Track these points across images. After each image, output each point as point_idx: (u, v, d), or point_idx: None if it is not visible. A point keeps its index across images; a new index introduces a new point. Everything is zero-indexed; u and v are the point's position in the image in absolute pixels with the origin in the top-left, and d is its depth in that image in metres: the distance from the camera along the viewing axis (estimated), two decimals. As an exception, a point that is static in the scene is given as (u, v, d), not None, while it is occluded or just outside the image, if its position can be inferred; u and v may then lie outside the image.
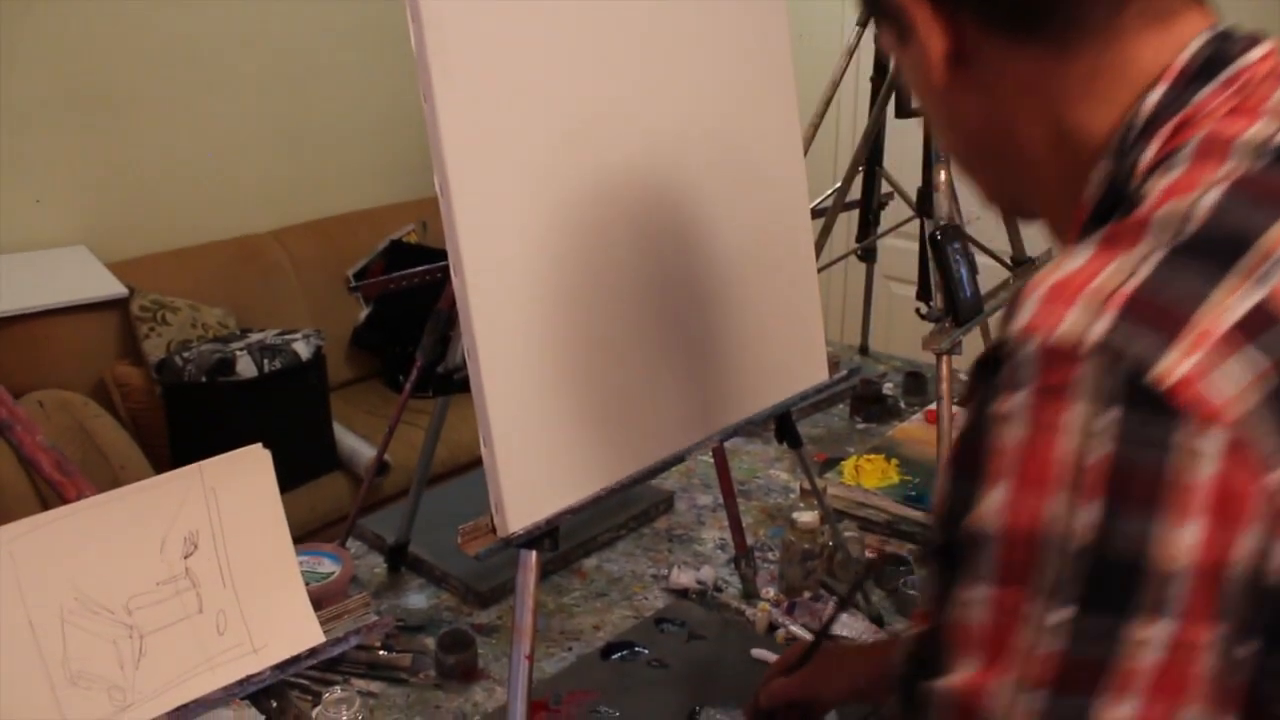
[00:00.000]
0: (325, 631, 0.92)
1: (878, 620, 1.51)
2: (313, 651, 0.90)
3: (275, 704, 0.90)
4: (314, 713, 1.22)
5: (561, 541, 1.08)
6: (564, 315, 1.08)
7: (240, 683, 0.86)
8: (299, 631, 0.90)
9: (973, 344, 1.88)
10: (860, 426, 2.21)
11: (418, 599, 1.61)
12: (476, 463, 1.06)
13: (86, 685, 0.81)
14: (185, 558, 0.85)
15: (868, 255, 2.45)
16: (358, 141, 3.91)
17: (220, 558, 0.86)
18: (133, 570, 0.83)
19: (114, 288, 3.06)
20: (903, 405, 2.29)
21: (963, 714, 0.55)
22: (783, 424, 1.42)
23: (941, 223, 1.68)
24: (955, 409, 1.97)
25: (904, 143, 2.36)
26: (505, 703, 1.26)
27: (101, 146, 3.25)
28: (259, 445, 0.88)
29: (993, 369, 0.57)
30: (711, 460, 1.62)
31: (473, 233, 0.97)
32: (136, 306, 3.07)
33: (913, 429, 2.01)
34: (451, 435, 3.18)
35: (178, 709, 0.83)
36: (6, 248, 3.08)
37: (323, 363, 3.16)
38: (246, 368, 2.94)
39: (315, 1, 3.66)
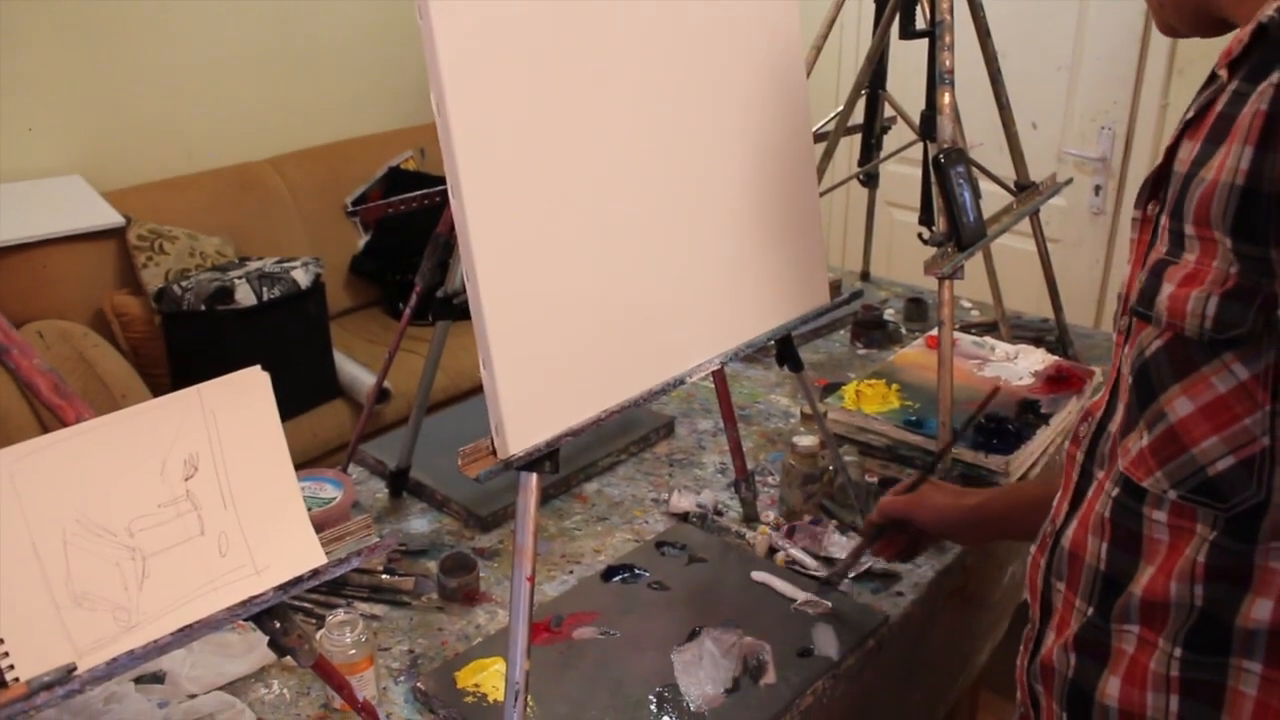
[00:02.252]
0: (327, 553, 0.92)
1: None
2: (315, 573, 0.90)
3: (279, 625, 0.90)
4: (318, 635, 1.24)
5: (562, 466, 1.09)
6: (564, 237, 1.07)
7: (243, 604, 0.87)
8: (301, 553, 0.90)
9: (975, 269, 1.87)
10: (861, 352, 2.21)
11: (419, 524, 1.62)
12: (477, 390, 1.06)
13: (91, 606, 0.81)
14: (186, 480, 0.85)
15: (870, 180, 2.43)
16: (355, 67, 3.86)
17: (221, 480, 0.86)
18: (133, 493, 0.83)
19: (111, 217, 3.04)
20: (904, 331, 2.29)
21: None
22: (784, 348, 1.42)
23: (945, 146, 1.66)
24: (957, 335, 1.97)
25: (907, 65, 2.33)
26: (507, 624, 1.27)
27: (94, 74, 3.21)
28: (257, 368, 0.88)
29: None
30: (712, 385, 1.62)
31: (471, 151, 0.96)
32: (134, 236, 3.06)
33: (914, 354, 2.01)
34: (452, 363, 3.20)
35: (182, 629, 0.84)
36: (0, 177, 3.05)
37: (322, 290, 3.15)
38: (246, 296, 2.93)
39: (308, -77, 3.59)
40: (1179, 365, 0.75)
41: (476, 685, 1.25)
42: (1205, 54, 2.91)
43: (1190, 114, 0.78)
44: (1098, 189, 3.23)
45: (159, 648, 0.83)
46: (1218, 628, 0.77)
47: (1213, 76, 0.78)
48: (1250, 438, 0.73)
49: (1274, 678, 0.76)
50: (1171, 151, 0.80)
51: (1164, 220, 0.78)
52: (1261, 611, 0.75)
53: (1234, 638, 0.77)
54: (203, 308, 2.91)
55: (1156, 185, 0.83)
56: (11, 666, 0.77)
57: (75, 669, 0.79)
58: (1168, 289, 0.75)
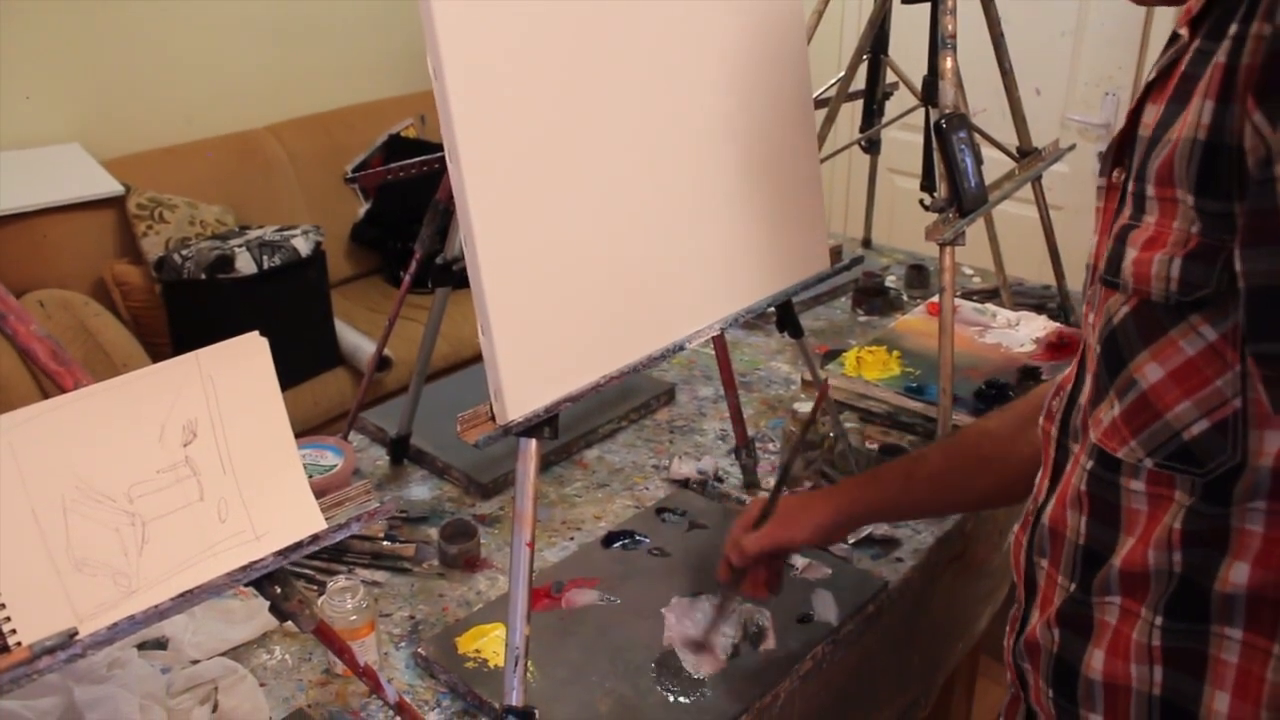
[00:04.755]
0: (327, 518, 0.92)
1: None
2: (315, 538, 0.90)
3: (279, 590, 0.90)
4: (319, 601, 1.24)
5: (563, 433, 1.09)
6: (563, 202, 1.06)
7: (243, 569, 0.87)
8: (300, 518, 0.90)
9: (977, 236, 1.86)
10: (862, 319, 2.20)
11: (420, 490, 1.62)
12: (478, 357, 1.06)
13: (91, 572, 0.81)
14: (184, 446, 0.85)
15: (871, 146, 2.42)
16: (354, 34, 3.83)
17: (220, 445, 0.86)
18: (132, 458, 0.83)
19: (110, 185, 3.03)
20: (905, 298, 2.29)
21: None
22: (784, 314, 1.41)
23: (947, 111, 1.65)
24: (958, 302, 1.96)
25: (909, 30, 2.30)
26: (507, 590, 1.28)
27: (92, 41, 3.19)
28: (255, 333, 0.87)
29: None
30: (712, 352, 1.62)
31: (468, 117, 0.95)
32: (133, 204, 3.05)
33: (914, 321, 2.01)
34: (452, 330, 3.20)
35: (182, 594, 0.84)
36: (-1, 145, 3.05)
37: (323, 259, 3.14)
38: (246, 264, 2.93)
39: (305, -113, 3.56)
40: (1147, 330, 0.74)
41: (477, 651, 1.26)
42: (1210, 18, 2.89)
43: (1153, 76, 0.77)
44: (1101, 155, 3.21)
45: (159, 613, 0.83)
46: (1197, 594, 0.76)
47: (1174, 37, 0.77)
48: (1222, 399, 0.71)
49: (1255, 643, 0.75)
50: (1135, 115, 0.78)
51: (1130, 186, 0.77)
52: (1239, 575, 0.74)
53: (1213, 603, 0.76)
54: (203, 276, 2.91)
55: (1121, 151, 0.81)
56: (14, 631, 0.78)
57: (76, 634, 0.79)
58: (1131, 254, 0.74)
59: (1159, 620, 0.78)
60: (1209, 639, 0.77)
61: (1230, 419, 0.71)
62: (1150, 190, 0.73)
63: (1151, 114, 0.75)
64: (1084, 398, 0.83)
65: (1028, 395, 1.17)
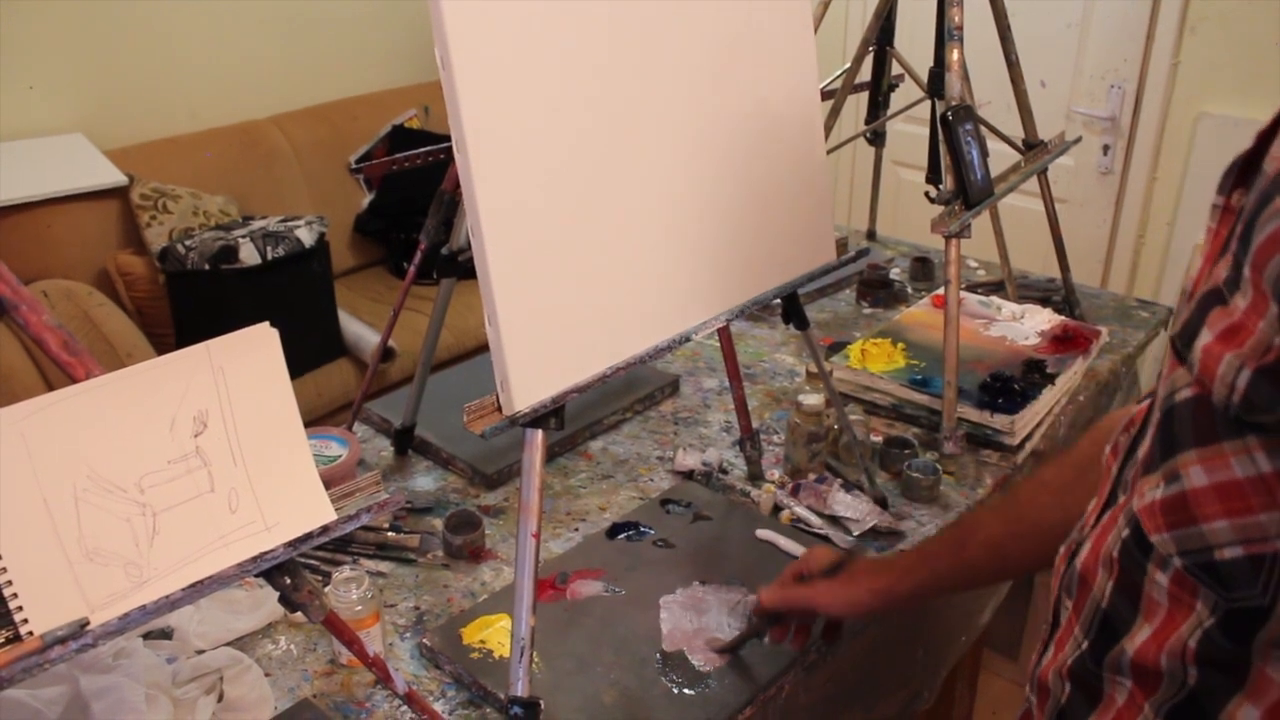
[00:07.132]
0: (336, 510, 0.92)
1: (882, 503, 1.52)
2: (325, 529, 0.90)
3: (289, 580, 0.91)
4: (324, 591, 1.25)
5: (568, 424, 1.09)
6: (570, 193, 1.06)
7: (254, 559, 0.87)
8: (311, 509, 0.90)
9: (982, 228, 1.86)
10: (867, 311, 2.20)
11: (425, 481, 1.62)
12: (481, 349, 1.06)
13: (103, 562, 0.82)
14: (195, 436, 0.85)
15: (876, 138, 2.41)
16: (357, 25, 3.83)
17: (230, 436, 0.86)
18: (143, 449, 0.83)
19: (114, 176, 3.03)
20: (910, 290, 2.29)
21: None
22: (790, 305, 1.41)
23: (953, 103, 1.65)
24: (963, 295, 1.96)
25: (916, 22, 2.31)
26: (512, 581, 1.28)
27: (96, 31, 3.19)
28: (266, 324, 0.87)
29: None
30: (717, 344, 1.62)
31: (476, 107, 0.95)
32: (137, 195, 3.05)
33: (920, 314, 2.01)
34: (457, 321, 3.20)
35: (193, 585, 0.84)
36: (1, 136, 3.04)
37: (326, 249, 3.14)
38: (250, 255, 2.92)
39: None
40: (1201, 429, 0.64)
41: (482, 641, 1.26)
42: (1219, 12, 2.88)
43: None
44: (1106, 148, 3.21)
45: (170, 603, 0.83)
46: (1202, 716, 0.70)
47: None
48: (1263, 534, 0.63)
49: None
50: (1266, 138, 0.65)
51: (1239, 229, 0.62)
52: (1247, 718, 0.68)
53: None
54: (207, 267, 2.91)
55: (1245, 171, 0.68)
56: (25, 620, 0.78)
57: (88, 623, 0.80)
58: (1206, 337, 0.62)
59: None
60: None
61: (1269, 557, 0.63)
62: (1246, 269, 0.60)
63: None
64: (1142, 451, 0.74)
65: (1091, 434, 1.08)
